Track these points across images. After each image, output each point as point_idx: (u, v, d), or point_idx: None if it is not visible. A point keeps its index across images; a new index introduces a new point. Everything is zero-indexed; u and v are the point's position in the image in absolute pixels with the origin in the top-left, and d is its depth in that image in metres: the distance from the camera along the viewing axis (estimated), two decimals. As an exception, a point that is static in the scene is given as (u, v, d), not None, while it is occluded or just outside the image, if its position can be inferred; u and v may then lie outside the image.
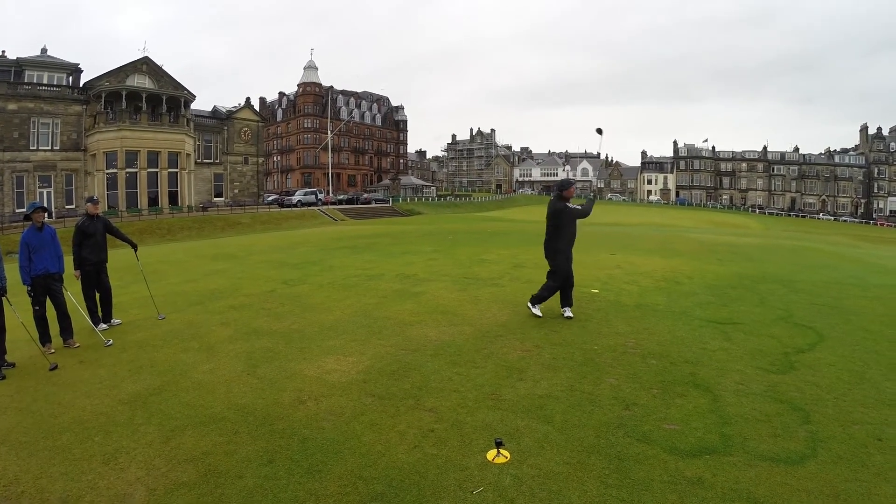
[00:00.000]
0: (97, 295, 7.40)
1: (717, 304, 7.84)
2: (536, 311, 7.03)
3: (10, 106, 41.10)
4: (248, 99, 62.47)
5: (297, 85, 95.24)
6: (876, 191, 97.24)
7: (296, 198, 58.62)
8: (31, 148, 42.17)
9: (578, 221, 7.10)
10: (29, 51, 52.63)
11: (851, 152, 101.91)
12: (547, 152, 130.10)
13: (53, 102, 43.43)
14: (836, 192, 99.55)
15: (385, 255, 14.50)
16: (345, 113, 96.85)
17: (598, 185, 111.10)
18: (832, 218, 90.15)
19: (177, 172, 47.85)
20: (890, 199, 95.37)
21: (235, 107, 60.66)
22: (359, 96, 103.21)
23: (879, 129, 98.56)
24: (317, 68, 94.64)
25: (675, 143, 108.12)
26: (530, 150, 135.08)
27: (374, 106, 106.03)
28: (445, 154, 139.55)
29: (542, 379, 4.83)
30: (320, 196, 61.66)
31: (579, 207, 7.09)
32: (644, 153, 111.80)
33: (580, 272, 8.66)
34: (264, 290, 9.58)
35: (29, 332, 6.09)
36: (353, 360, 5.51)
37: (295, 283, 10.20)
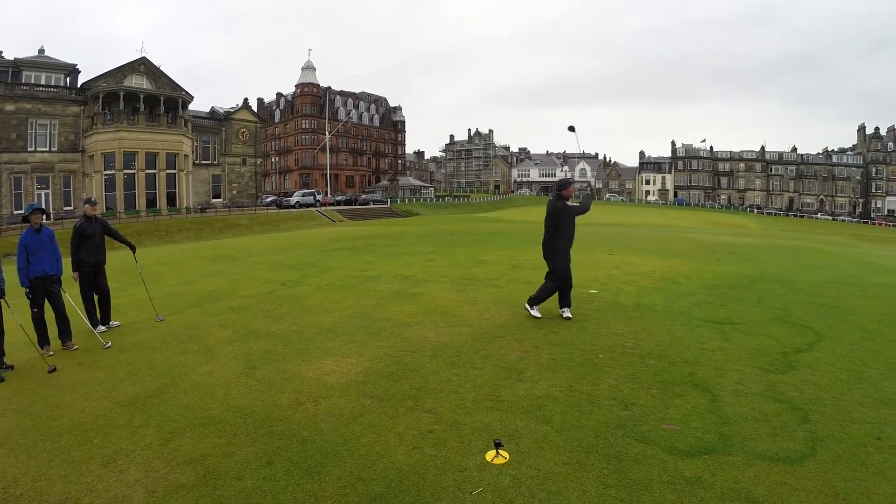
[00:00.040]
0: (95, 297, 7.40)
1: (716, 304, 7.85)
2: (535, 312, 7.03)
3: (8, 107, 41.07)
4: (245, 100, 62.47)
5: (295, 86, 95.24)
6: (874, 190, 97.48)
7: (294, 199, 58.68)
8: (29, 149, 42.16)
9: (577, 222, 7.11)
10: (27, 51, 52.67)
11: (849, 152, 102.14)
12: (545, 153, 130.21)
13: (51, 103, 43.41)
14: (833, 192, 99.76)
15: (383, 257, 14.50)
16: (343, 113, 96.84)
17: (597, 186, 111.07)
18: (830, 218, 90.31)
19: (175, 174, 47.86)
20: (888, 198, 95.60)
21: (233, 107, 60.63)
22: (357, 97, 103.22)
23: (877, 128, 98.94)
24: (315, 69, 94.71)
25: (672, 143, 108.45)
26: (528, 151, 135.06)
27: (373, 106, 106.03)
28: (443, 155, 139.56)
29: (540, 379, 4.83)
30: (318, 197, 61.72)
31: (578, 205, 7.11)
32: (642, 153, 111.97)
33: (578, 273, 8.67)
34: (263, 292, 9.58)
35: (27, 334, 6.08)
36: (351, 361, 5.51)
37: (293, 285, 10.20)
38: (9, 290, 6.11)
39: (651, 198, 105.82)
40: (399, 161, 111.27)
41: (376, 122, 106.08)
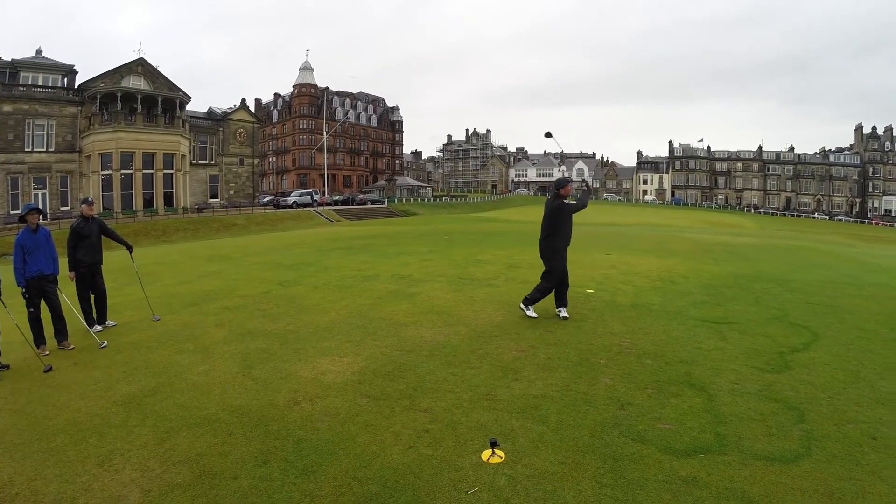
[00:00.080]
0: (92, 297, 7.38)
1: (712, 303, 7.86)
2: (531, 312, 7.02)
3: (5, 107, 41.00)
4: (243, 100, 62.42)
5: (293, 86, 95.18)
6: (871, 190, 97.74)
7: (291, 199, 58.58)
8: (26, 149, 42.09)
9: (573, 221, 7.12)
10: (27, 52, 52.48)
11: (846, 152, 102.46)
12: (542, 153, 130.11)
13: (48, 104, 43.36)
14: (831, 192, 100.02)
15: (380, 256, 14.50)
16: (340, 114, 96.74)
17: (595, 185, 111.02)
18: (827, 217, 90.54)
19: (172, 174, 47.80)
20: (885, 198, 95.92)
21: (231, 108, 60.59)
22: (354, 97, 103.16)
23: (874, 128, 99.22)
24: (312, 69, 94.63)
25: (670, 142, 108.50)
26: (526, 151, 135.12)
27: (370, 107, 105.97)
28: (441, 155, 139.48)
29: (537, 379, 4.83)
30: (316, 197, 61.60)
31: (575, 202, 7.13)
32: (639, 153, 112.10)
33: (575, 272, 8.68)
34: (259, 292, 9.56)
35: (23, 334, 6.06)
36: (348, 360, 5.50)
37: (290, 285, 10.19)
38: (5, 289, 6.10)
39: (648, 197, 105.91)
40: (396, 161, 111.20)
41: (374, 123, 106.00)
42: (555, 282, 6.93)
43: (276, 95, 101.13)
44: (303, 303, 8.43)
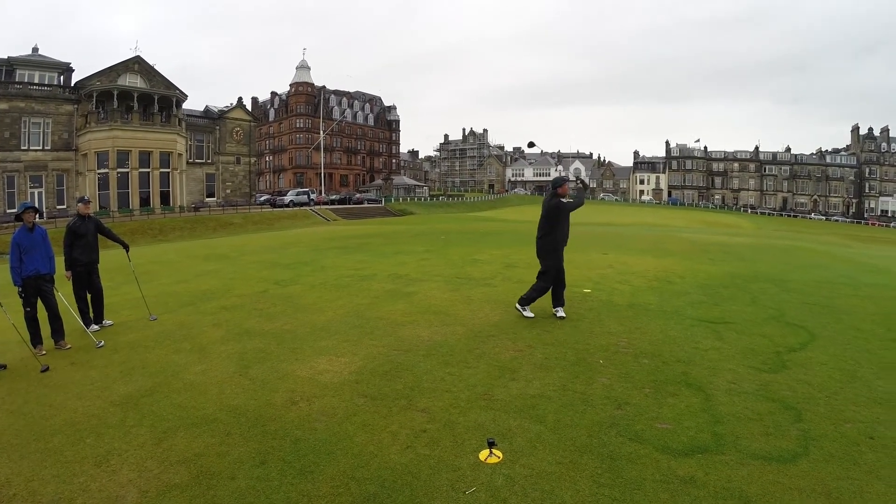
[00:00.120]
0: (88, 296, 7.36)
1: (709, 303, 7.87)
2: (528, 312, 7.02)
3: (1, 105, 40.83)
4: (240, 99, 62.21)
5: (290, 85, 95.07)
6: (867, 191, 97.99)
7: (288, 198, 58.44)
8: (22, 148, 41.89)
9: (571, 222, 7.13)
10: (23, 49, 52.25)
11: (843, 152, 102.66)
12: (539, 152, 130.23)
13: (44, 102, 43.16)
14: (827, 192, 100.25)
15: (377, 256, 14.49)
16: (337, 113, 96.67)
17: (592, 185, 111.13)
18: (824, 217, 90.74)
19: (168, 172, 47.61)
20: (881, 198, 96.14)
21: (228, 106, 60.39)
22: (351, 96, 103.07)
23: (871, 129, 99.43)
24: (309, 68, 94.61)
25: (667, 143, 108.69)
26: (522, 151, 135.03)
27: (367, 106, 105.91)
28: (438, 154, 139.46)
29: (534, 379, 4.84)
30: (312, 196, 61.44)
31: (572, 201, 7.15)
32: (636, 153, 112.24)
33: (572, 272, 8.69)
34: (256, 291, 9.55)
35: (20, 333, 6.05)
36: (345, 360, 5.50)
37: (287, 284, 10.17)
38: (1, 289, 6.07)
39: (645, 197, 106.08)
40: (393, 160, 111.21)
41: (371, 122, 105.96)
42: (550, 282, 6.94)
43: (273, 94, 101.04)
44: (300, 302, 8.43)
